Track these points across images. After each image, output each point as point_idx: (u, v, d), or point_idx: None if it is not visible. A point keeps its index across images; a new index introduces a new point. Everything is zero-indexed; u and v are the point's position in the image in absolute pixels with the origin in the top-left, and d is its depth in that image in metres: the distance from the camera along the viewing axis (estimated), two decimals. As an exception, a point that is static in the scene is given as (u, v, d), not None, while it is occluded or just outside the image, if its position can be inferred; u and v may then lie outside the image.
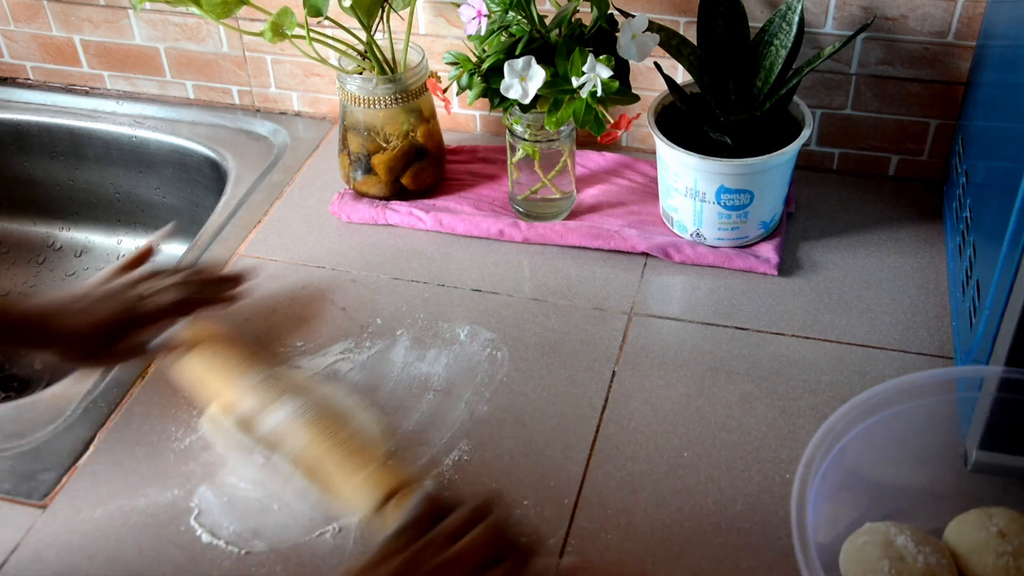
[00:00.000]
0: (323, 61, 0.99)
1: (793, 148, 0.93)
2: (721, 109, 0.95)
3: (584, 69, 0.87)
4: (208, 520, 0.76)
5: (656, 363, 0.88)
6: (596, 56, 0.88)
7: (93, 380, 0.89)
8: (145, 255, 0.88)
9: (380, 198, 1.07)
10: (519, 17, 0.91)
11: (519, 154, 0.99)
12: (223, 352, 0.82)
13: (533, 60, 0.88)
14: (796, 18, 0.91)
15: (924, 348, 0.88)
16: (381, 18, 0.99)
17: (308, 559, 0.73)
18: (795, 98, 0.98)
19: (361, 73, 1.02)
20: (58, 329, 0.78)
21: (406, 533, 0.63)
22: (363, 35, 0.99)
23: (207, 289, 0.86)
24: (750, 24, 0.97)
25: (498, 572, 0.61)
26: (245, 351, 0.83)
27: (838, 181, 1.09)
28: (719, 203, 0.94)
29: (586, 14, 0.94)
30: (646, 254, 0.99)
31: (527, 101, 0.89)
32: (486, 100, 0.94)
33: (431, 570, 0.60)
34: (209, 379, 0.82)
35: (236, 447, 0.78)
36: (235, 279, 0.88)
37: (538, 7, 0.93)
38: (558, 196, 1.02)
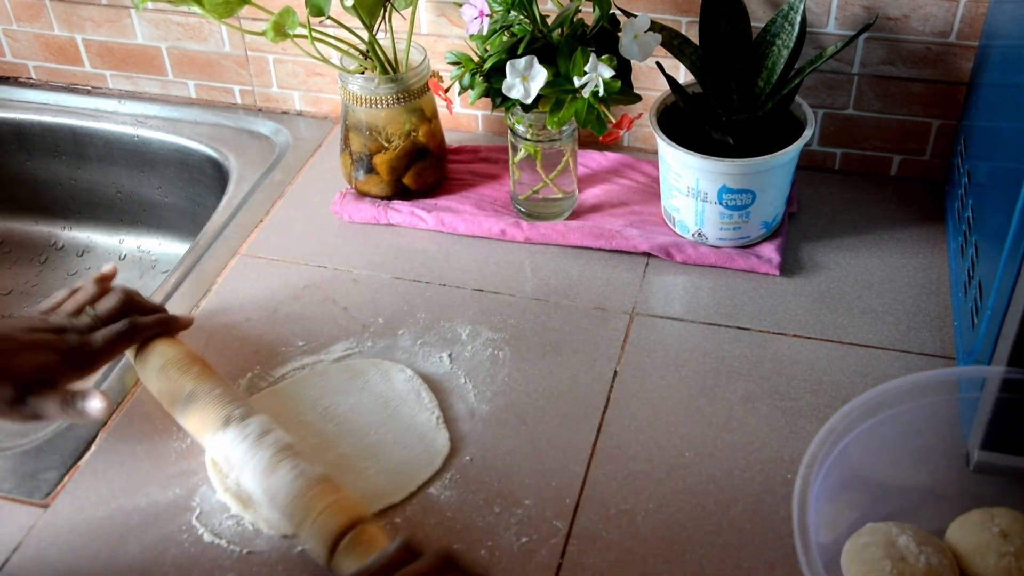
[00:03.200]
0: (325, 61, 0.99)
1: (795, 148, 0.93)
2: (723, 109, 0.95)
3: (586, 69, 0.87)
4: (209, 519, 0.76)
5: (658, 363, 0.88)
6: (598, 56, 0.88)
7: (94, 379, 0.89)
8: (79, 292, 0.83)
9: (382, 198, 1.07)
10: (521, 17, 0.91)
11: (521, 154, 0.99)
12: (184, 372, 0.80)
13: (535, 60, 0.88)
14: (798, 18, 0.91)
15: (926, 348, 0.88)
16: (383, 18, 0.99)
17: (309, 559, 0.73)
18: (797, 98, 0.98)
19: (363, 73, 1.02)
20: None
21: (370, 572, 0.63)
22: (365, 35, 0.99)
23: (148, 319, 0.83)
24: (752, 24, 0.97)
25: None
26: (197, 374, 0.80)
27: (840, 181, 1.09)
28: (721, 203, 0.94)
29: (588, 14, 0.94)
30: (648, 254, 0.99)
31: (529, 101, 0.89)
32: (488, 100, 0.94)
33: None
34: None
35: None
36: (163, 309, 0.86)
37: (540, 7, 0.93)
38: (560, 196, 1.02)
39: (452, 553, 0.64)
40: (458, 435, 0.82)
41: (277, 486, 0.71)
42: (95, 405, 0.74)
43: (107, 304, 0.82)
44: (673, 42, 0.95)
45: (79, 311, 0.81)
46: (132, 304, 0.83)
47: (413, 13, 1.00)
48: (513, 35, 0.92)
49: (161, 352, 0.82)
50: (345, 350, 0.90)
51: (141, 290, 0.88)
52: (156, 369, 0.81)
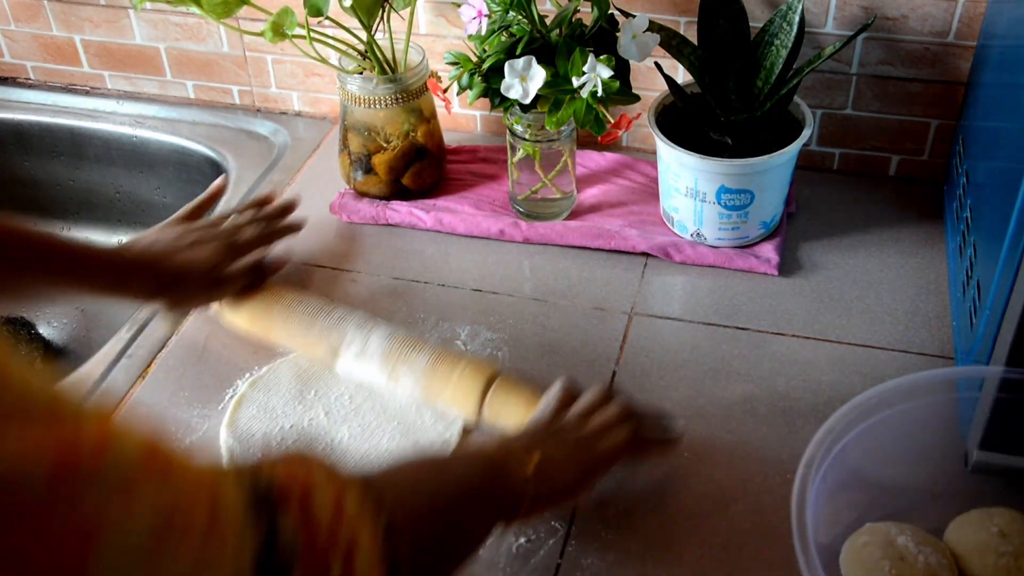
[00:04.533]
0: (323, 61, 0.99)
1: (794, 148, 0.93)
2: (722, 109, 0.95)
3: (584, 69, 0.87)
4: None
5: (657, 363, 0.88)
6: (596, 56, 0.88)
7: (94, 380, 0.89)
8: (211, 200, 0.98)
9: (380, 198, 1.07)
10: (519, 17, 0.91)
11: (519, 154, 0.99)
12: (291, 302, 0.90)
13: (534, 60, 0.88)
14: (797, 18, 0.91)
15: (924, 348, 0.88)
16: (381, 18, 0.99)
17: (308, 559, 0.73)
18: (796, 98, 0.98)
19: (361, 73, 1.02)
20: (173, 271, 0.86)
21: (548, 417, 0.73)
22: (363, 35, 0.99)
23: (276, 221, 0.96)
24: (751, 24, 0.97)
25: (628, 435, 0.73)
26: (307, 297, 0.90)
27: (839, 181, 1.09)
28: (719, 203, 0.94)
29: (587, 14, 0.94)
30: (647, 254, 0.99)
31: (527, 101, 0.89)
32: (486, 100, 0.94)
33: (584, 437, 0.71)
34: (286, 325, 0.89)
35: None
36: (288, 206, 0.99)
37: (538, 7, 0.93)
38: (558, 196, 1.02)
39: (608, 385, 0.76)
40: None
41: (410, 370, 0.82)
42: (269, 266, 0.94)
43: (246, 215, 0.95)
44: (672, 42, 0.95)
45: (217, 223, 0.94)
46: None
47: (411, 13, 1.00)
48: (512, 35, 0.92)
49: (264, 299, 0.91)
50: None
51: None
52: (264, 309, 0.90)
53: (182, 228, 0.91)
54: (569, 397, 0.75)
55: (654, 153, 1.08)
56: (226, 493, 0.42)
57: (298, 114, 1.25)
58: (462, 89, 0.93)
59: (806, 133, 0.94)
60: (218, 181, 1.03)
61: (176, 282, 0.86)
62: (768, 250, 0.97)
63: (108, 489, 0.36)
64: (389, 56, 1.01)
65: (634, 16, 0.91)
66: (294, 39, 0.95)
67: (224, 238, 0.90)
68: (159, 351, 0.92)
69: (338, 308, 0.89)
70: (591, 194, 1.07)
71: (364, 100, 1.01)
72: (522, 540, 0.73)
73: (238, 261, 0.90)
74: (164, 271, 0.85)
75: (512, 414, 0.78)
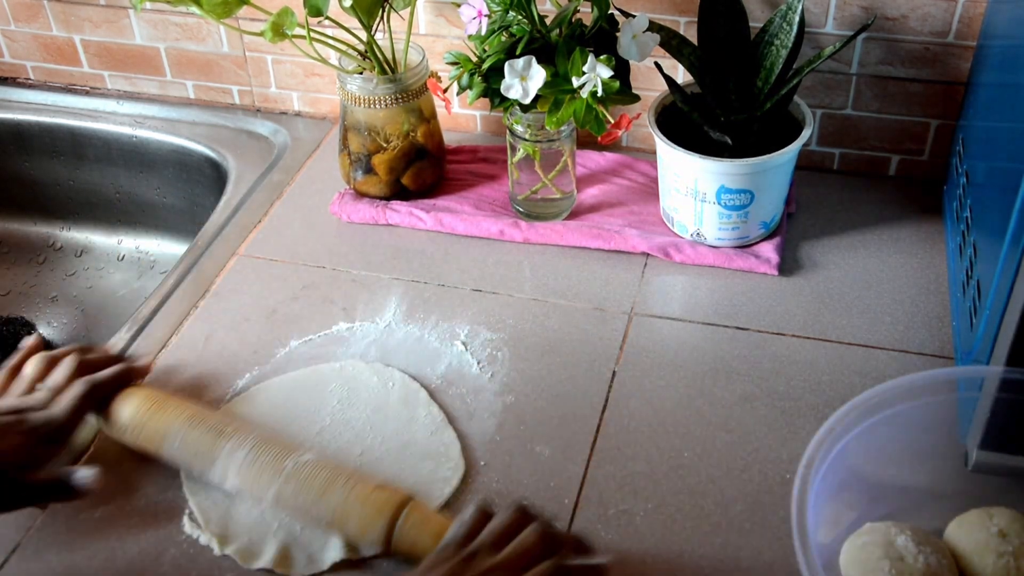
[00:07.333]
0: (323, 61, 0.99)
1: (793, 148, 0.93)
2: (721, 109, 0.95)
3: (584, 69, 0.87)
4: (207, 521, 0.76)
5: (656, 363, 0.88)
6: (596, 56, 0.88)
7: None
8: (16, 368, 0.80)
9: (380, 198, 1.07)
10: (519, 17, 0.91)
11: (519, 154, 0.99)
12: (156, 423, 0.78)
13: (533, 60, 0.88)
14: (796, 18, 0.91)
15: (924, 348, 0.88)
16: (381, 18, 0.99)
17: (308, 559, 0.73)
18: (795, 98, 0.98)
19: (361, 73, 1.02)
20: None
21: (457, 543, 0.65)
22: (363, 35, 0.99)
23: (104, 374, 0.79)
24: (750, 24, 0.97)
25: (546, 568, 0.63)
26: (176, 410, 0.78)
27: (838, 181, 1.09)
28: (719, 203, 0.94)
29: (586, 14, 0.94)
30: (646, 254, 0.99)
31: (527, 101, 0.89)
32: (486, 100, 0.94)
33: (497, 568, 0.63)
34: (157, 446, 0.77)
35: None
36: (120, 358, 0.83)
37: (538, 7, 0.93)
38: (558, 196, 1.02)
39: (525, 505, 0.67)
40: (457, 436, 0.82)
41: (301, 493, 0.72)
42: (85, 475, 0.72)
43: (59, 375, 0.78)
44: (671, 42, 0.95)
45: (30, 389, 0.78)
46: (85, 365, 0.79)
47: (411, 13, 1.00)
48: (511, 35, 0.92)
49: (128, 404, 0.79)
50: (344, 351, 0.90)
51: (139, 291, 0.88)
52: (128, 422, 0.78)
53: None
54: (482, 519, 0.66)
55: (654, 153, 1.08)
56: None
57: (298, 114, 1.25)
58: (462, 89, 0.93)
59: (806, 133, 0.94)
60: (30, 342, 0.83)
61: None
62: (768, 250, 0.97)
63: None
64: (389, 56, 1.01)
65: (634, 16, 0.91)
66: (294, 39, 0.95)
67: (31, 423, 0.73)
68: (159, 351, 0.92)
69: (229, 425, 0.77)
70: (591, 194, 1.07)
71: (364, 100, 1.01)
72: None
73: (53, 448, 0.74)
74: None
75: (425, 543, 0.68)
